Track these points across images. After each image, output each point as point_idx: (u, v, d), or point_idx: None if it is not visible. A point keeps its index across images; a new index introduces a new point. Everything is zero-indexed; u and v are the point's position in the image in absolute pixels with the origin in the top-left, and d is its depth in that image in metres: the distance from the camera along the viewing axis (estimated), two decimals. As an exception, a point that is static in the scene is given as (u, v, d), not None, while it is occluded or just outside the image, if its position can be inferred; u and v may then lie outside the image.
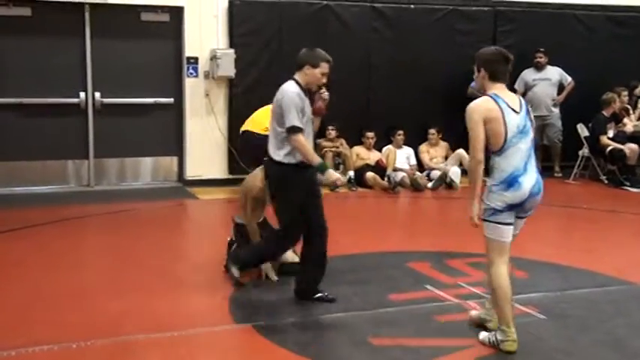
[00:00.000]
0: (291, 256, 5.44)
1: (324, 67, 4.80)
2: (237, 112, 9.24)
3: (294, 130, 4.62)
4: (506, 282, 4.16)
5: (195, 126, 9.24)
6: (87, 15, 8.81)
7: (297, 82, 4.78)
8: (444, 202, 9.04)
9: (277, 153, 4.74)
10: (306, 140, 4.68)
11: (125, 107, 9.11)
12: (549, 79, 10.30)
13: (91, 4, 8.73)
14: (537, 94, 10.31)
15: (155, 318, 4.66)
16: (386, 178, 9.25)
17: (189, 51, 9.11)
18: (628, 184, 9.51)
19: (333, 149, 9.44)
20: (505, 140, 4.07)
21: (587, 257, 6.18)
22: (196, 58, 9.12)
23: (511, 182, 4.08)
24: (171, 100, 9.27)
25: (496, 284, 4.17)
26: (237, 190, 7.62)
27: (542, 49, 10.20)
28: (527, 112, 4.21)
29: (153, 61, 9.15)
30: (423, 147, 10.03)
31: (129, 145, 9.22)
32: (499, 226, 4.13)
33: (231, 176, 9.06)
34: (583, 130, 10.10)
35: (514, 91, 10.31)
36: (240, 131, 7.30)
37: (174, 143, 9.38)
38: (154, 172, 9.48)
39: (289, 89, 4.72)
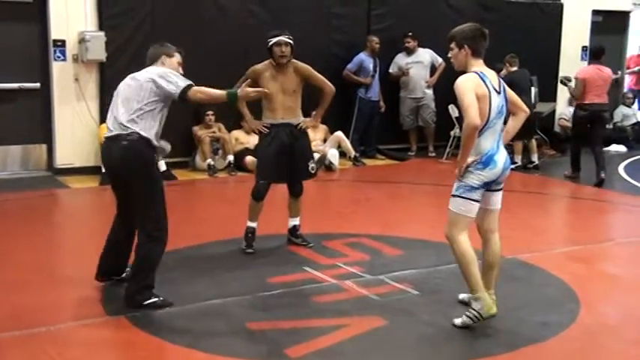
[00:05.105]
0: None
1: (179, 57, 4.82)
2: (110, 97, 8.87)
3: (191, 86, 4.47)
4: (470, 248, 4.25)
5: (65, 112, 8.82)
6: (-63, -7, 8.23)
7: None
8: (323, 185, 9.12)
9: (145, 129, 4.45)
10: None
11: (-14, 93, 8.59)
12: (422, 62, 10.57)
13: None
14: (412, 77, 10.56)
15: (21, 314, 4.42)
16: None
17: (55, 33, 8.66)
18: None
19: (210, 134, 9.31)
20: (487, 120, 4.13)
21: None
22: (64, 41, 8.69)
23: (487, 161, 4.17)
24: (38, 85, 8.81)
25: (461, 251, 4.24)
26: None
27: (410, 34, 10.43)
28: (505, 91, 4.27)
29: (16, 44, 8.63)
30: (302, 130, 10.06)
31: (-8, 133, 8.70)
32: (471, 202, 4.21)
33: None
34: (454, 111, 10.44)
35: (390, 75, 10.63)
36: None
37: (42, 130, 8.92)
38: (21, 161, 8.99)
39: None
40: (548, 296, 4.95)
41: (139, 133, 4.44)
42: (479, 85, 4.14)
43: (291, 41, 5.71)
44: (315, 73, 5.91)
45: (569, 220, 7.72)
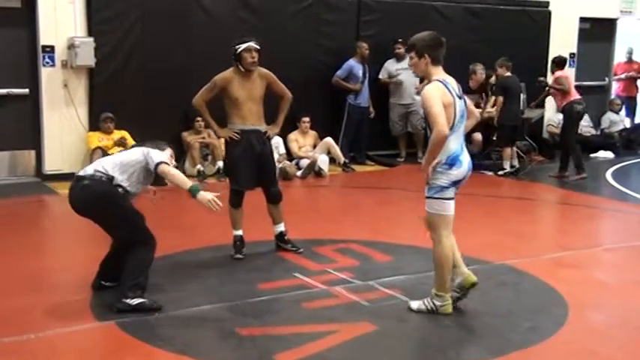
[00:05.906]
0: None
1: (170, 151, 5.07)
2: (99, 103, 8.92)
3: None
4: (451, 253, 4.52)
5: (54, 118, 8.79)
6: None
7: None
8: (313, 191, 9.15)
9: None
10: None
11: (-25, 99, 8.55)
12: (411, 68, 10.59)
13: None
14: (401, 83, 10.58)
15: (10, 321, 4.40)
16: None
17: (44, 39, 8.63)
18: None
19: (200, 140, 9.31)
20: (453, 125, 4.35)
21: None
22: (52, 47, 8.67)
23: (453, 161, 4.40)
24: (27, 90, 8.77)
25: (443, 253, 4.49)
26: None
27: (400, 40, 10.44)
28: (462, 95, 4.50)
29: (4, 50, 8.60)
30: (292, 136, 10.04)
31: (-20, 139, 8.66)
32: (445, 201, 4.47)
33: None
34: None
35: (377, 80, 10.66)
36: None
37: (31, 136, 8.88)
38: (9, 167, 8.94)
39: None
40: (537, 301, 4.98)
41: (106, 174, 4.63)
42: (444, 94, 4.35)
43: (259, 47, 5.69)
44: (277, 79, 5.90)
45: (557, 226, 7.76)
